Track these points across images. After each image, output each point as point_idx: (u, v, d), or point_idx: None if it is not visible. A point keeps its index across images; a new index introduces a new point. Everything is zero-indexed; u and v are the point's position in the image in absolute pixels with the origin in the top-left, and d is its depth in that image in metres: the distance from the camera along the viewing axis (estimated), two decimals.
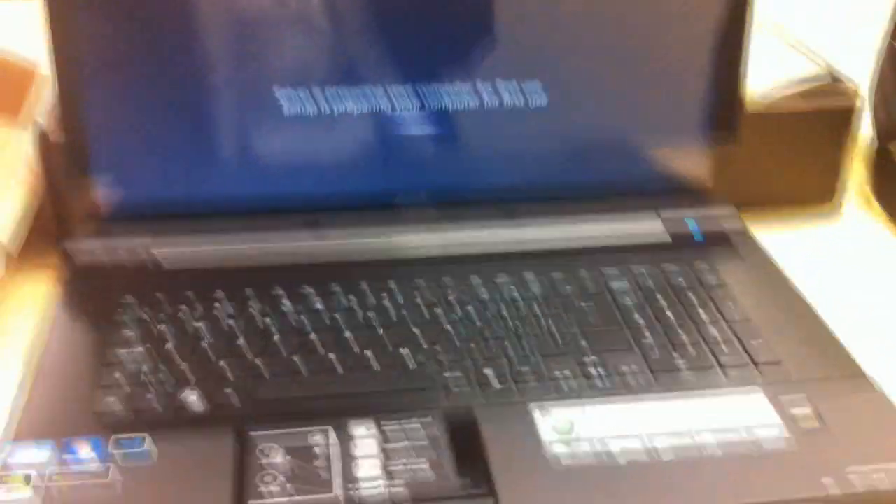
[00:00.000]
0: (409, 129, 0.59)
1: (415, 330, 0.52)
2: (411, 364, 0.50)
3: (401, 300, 0.54)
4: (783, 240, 0.61)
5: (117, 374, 0.49)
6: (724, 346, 0.52)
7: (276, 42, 0.57)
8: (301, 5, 0.57)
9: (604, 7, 0.58)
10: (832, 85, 0.66)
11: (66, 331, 0.52)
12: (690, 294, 0.56)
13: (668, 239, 0.61)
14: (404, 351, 0.51)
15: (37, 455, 0.44)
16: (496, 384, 0.49)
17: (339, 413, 0.46)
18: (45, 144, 0.58)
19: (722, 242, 0.61)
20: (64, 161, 0.57)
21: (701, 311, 0.54)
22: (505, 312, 0.54)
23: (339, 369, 0.49)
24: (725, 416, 0.47)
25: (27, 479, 0.43)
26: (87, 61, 0.55)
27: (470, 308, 0.54)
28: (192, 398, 0.47)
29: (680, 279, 0.57)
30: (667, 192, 0.62)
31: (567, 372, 0.49)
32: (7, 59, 0.61)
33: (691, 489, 0.43)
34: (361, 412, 0.46)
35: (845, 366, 0.50)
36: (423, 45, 0.57)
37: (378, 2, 0.56)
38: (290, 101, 0.57)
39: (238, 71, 0.57)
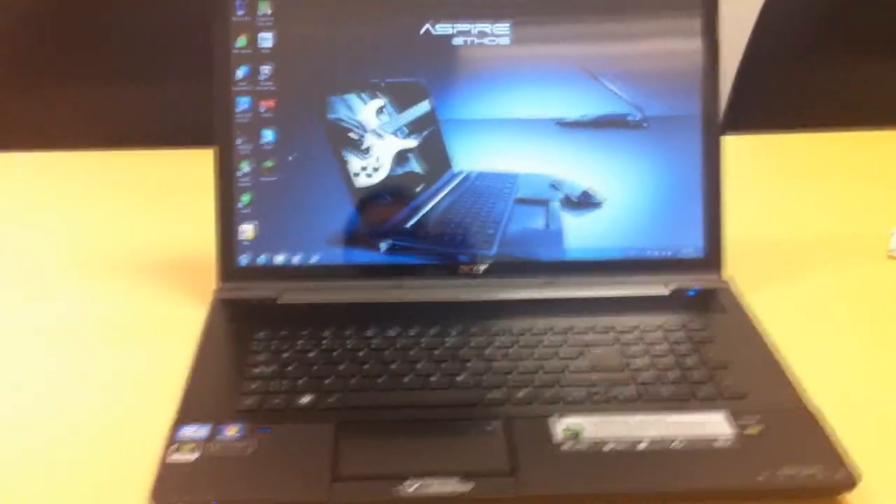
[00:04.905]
0: (475, 218, 0.79)
1: (467, 362, 0.70)
2: (463, 385, 0.68)
3: (456, 341, 0.73)
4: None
5: (253, 386, 0.68)
6: (702, 385, 0.68)
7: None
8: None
9: None
10: None
11: (216, 349, 0.73)
12: (682, 345, 0.72)
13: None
14: (459, 378, 0.69)
15: (199, 433, 0.63)
16: (526, 400, 0.66)
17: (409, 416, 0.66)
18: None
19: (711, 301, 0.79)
20: (222, 236, 0.79)
21: (687, 357, 0.71)
22: (536, 353, 0.71)
23: (411, 387, 0.68)
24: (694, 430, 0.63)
25: (193, 447, 0.62)
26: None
27: (510, 350, 0.72)
28: (306, 402, 0.67)
29: (676, 332, 0.74)
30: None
31: (579, 395, 0.67)
32: None
33: (660, 473, 0.60)
34: (429, 416, 0.66)
35: (793, 399, 0.67)
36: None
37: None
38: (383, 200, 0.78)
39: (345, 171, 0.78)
